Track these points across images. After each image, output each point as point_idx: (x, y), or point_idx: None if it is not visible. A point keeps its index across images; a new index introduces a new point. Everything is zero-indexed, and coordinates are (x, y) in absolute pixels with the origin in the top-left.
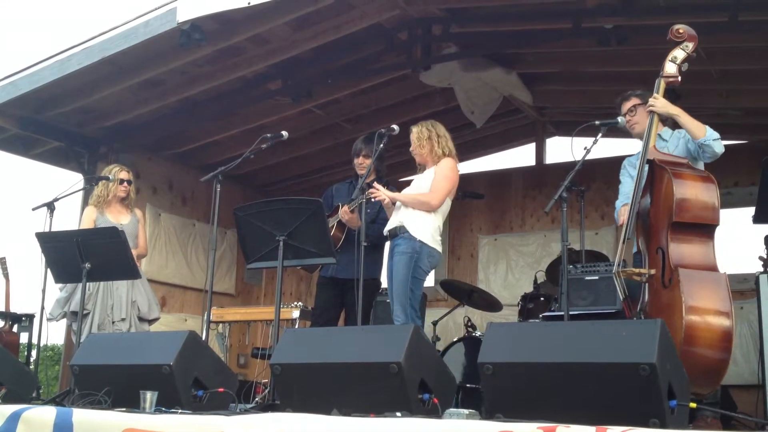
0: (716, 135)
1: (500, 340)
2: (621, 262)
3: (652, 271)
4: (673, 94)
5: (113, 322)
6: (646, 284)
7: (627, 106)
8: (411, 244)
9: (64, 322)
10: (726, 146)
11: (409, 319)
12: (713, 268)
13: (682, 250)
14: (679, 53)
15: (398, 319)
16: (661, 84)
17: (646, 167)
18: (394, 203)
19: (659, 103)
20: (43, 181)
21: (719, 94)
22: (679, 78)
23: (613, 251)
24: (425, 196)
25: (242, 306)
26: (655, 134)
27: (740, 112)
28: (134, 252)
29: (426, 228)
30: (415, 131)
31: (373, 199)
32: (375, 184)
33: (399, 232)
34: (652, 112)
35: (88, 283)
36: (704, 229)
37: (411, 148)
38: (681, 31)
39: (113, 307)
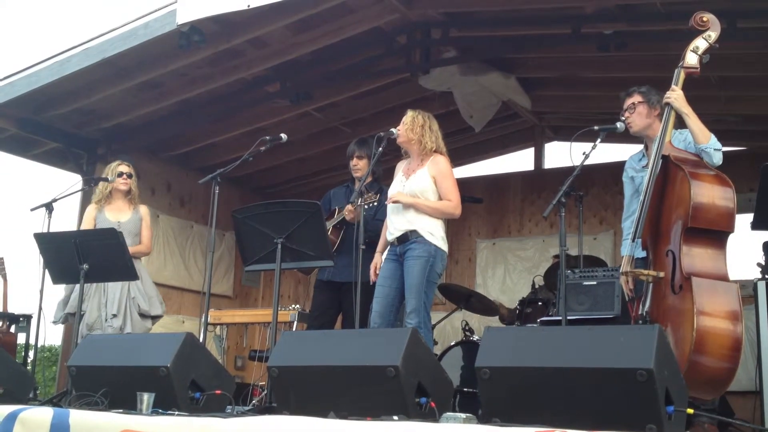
0: (719, 146)
1: (498, 344)
2: (631, 261)
3: (661, 274)
4: None
5: (106, 319)
6: (650, 285)
7: (628, 102)
8: (426, 247)
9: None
10: (725, 153)
11: (421, 322)
12: (724, 278)
13: (694, 257)
14: (701, 43)
15: (411, 322)
16: (681, 75)
17: (659, 163)
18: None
19: (675, 95)
20: (41, 182)
21: (718, 101)
22: (699, 69)
23: (611, 256)
24: (449, 208)
25: (240, 308)
26: (671, 128)
27: (739, 118)
28: (136, 249)
29: (439, 231)
30: (410, 114)
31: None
32: (396, 194)
33: (411, 237)
34: (668, 105)
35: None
36: (719, 235)
37: (398, 128)
38: (705, 19)
39: (106, 304)
